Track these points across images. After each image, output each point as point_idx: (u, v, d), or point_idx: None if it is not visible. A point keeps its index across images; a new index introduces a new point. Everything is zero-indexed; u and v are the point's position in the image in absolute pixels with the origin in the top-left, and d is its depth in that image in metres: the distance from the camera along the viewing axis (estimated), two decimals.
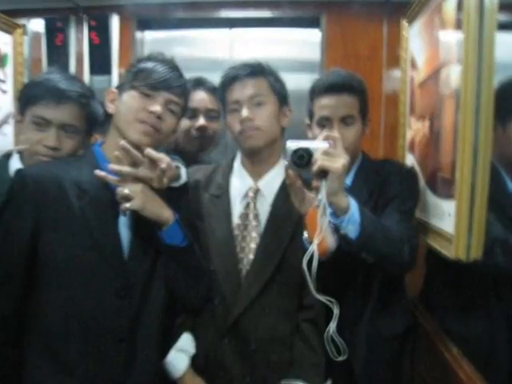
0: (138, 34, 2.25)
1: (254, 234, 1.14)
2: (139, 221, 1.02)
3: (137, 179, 1.00)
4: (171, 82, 1.04)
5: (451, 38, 1.14)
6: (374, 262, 1.03)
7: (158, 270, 1.06)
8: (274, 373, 1.10)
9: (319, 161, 0.93)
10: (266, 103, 1.14)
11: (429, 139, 1.34)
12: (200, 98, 1.50)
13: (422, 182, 1.35)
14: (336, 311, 0.96)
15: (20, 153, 1.18)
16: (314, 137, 1.23)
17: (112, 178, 0.99)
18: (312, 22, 2.16)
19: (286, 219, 1.12)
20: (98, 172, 0.98)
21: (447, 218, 1.13)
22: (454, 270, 1.16)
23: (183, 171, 1.15)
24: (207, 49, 2.27)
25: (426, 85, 1.39)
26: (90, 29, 2.16)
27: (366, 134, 1.31)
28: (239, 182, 1.20)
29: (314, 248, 0.94)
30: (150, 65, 1.05)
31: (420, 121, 1.44)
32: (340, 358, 1.00)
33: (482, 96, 0.99)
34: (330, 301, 0.97)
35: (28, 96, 1.14)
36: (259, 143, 1.14)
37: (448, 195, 1.13)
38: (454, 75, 1.11)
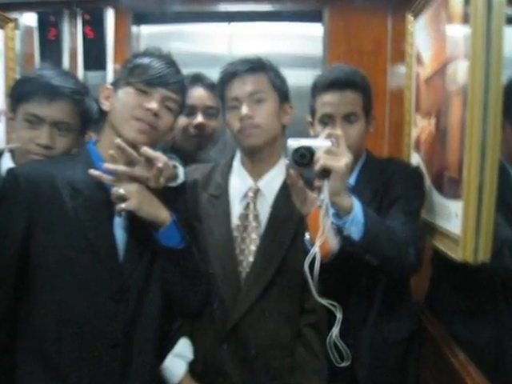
0: (134, 29, 2.24)
1: (253, 236, 1.14)
2: (135, 222, 1.02)
3: (133, 179, 1.00)
4: (168, 78, 1.04)
5: (458, 33, 1.14)
6: (378, 265, 1.03)
7: (155, 273, 1.06)
8: (275, 379, 1.10)
9: (321, 160, 0.93)
10: (267, 100, 1.14)
11: (435, 137, 1.34)
12: (198, 94, 1.50)
13: (427, 181, 1.35)
14: (339, 315, 0.96)
15: (11, 151, 1.18)
16: (315, 135, 1.23)
17: (107, 178, 0.99)
18: (314, 16, 2.15)
19: (287, 220, 1.12)
20: (93, 171, 0.98)
21: (454, 218, 1.13)
22: (461, 273, 1.16)
23: (181, 170, 1.15)
24: (205, 44, 2.27)
25: (432, 81, 1.39)
26: (84, 23, 2.15)
27: (370, 131, 1.31)
28: (239, 181, 1.20)
29: (316, 250, 0.94)
30: (146, 60, 1.05)
31: (426, 118, 1.44)
32: (343, 364, 1.00)
33: (490, 92, 0.99)
34: (333, 304, 0.97)
35: (20, 93, 1.14)
36: (259, 141, 1.14)
37: (455, 195, 1.13)
38: (461, 71, 1.11)
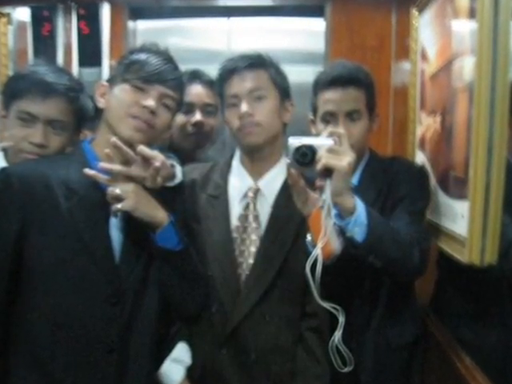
0: (130, 24, 2.24)
1: (253, 237, 1.14)
2: (131, 223, 1.02)
3: (129, 178, 1.00)
4: (165, 74, 1.04)
5: (464, 28, 1.14)
6: (381, 267, 1.03)
7: (152, 275, 1.06)
8: None
9: (323, 159, 0.93)
10: (267, 97, 1.14)
11: (440, 136, 1.34)
12: (196, 91, 1.50)
13: (433, 181, 1.35)
14: (341, 319, 0.96)
15: (4, 150, 1.18)
16: (317, 133, 1.23)
17: (102, 177, 0.99)
18: (316, 11, 2.15)
19: (288, 221, 1.12)
20: (88, 171, 0.98)
21: (460, 219, 1.13)
22: (467, 275, 1.16)
23: (178, 170, 1.15)
24: (204, 39, 2.27)
25: (437, 77, 1.39)
26: (79, 18, 2.15)
27: (374, 129, 1.31)
28: (238, 181, 1.20)
29: (317, 252, 0.94)
30: (142, 56, 1.05)
31: (431, 116, 1.44)
32: (346, 370, 1.00)
33: (497, 89, 0.99)
34: (335, 308, 0.97)
35: (13, 90, 1.14)
36: (259, 140, 1.14)
37: (461, 195, 1.13)
38: (467, 67, 1.11)
